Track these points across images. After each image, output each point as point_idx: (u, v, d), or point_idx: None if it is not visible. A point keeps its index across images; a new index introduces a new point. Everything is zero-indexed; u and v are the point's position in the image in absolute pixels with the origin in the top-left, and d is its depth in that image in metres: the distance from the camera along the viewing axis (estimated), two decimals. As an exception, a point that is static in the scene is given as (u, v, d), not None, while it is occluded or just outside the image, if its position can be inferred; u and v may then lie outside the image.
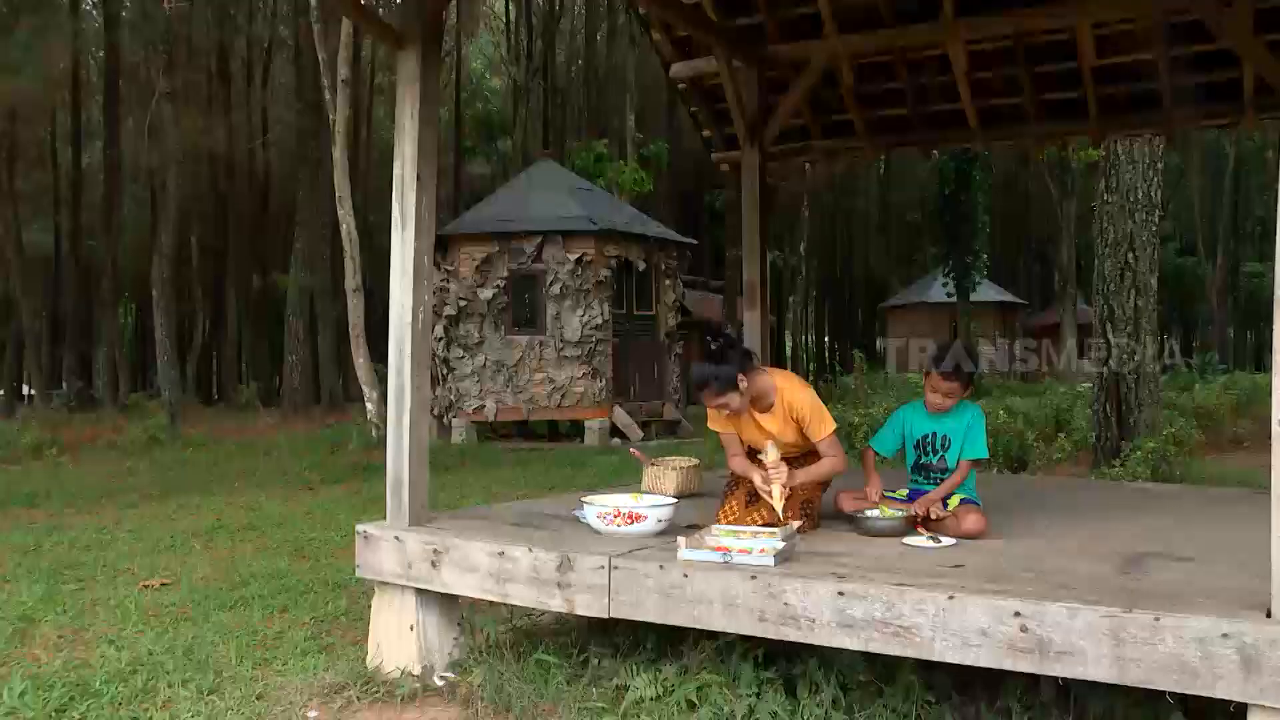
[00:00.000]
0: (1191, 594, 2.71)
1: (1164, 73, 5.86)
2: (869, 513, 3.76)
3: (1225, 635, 2.39)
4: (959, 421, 3.93)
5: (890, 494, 3.97)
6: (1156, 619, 2.47)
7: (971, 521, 3.64)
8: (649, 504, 3.66)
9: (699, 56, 6.48)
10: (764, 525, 3.57)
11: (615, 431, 15.67)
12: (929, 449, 3.98)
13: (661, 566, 3.12)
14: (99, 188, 29.23)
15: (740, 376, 3.69)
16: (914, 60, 6.32)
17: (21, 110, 25.06)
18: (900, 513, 3.73)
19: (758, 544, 3.25)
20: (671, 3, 5.83)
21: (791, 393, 3.83)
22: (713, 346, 3.74)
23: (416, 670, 3.61)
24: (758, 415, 3.88)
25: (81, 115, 30.54)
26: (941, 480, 3.91)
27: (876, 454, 4.10)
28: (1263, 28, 5.25)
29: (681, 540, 3.25)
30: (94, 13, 30.54)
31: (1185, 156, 37.74)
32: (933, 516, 3.72)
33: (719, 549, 3.19)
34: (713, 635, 3.28)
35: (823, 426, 3.79)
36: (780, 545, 3.21)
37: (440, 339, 15.80)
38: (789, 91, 6.24)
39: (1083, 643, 2.54)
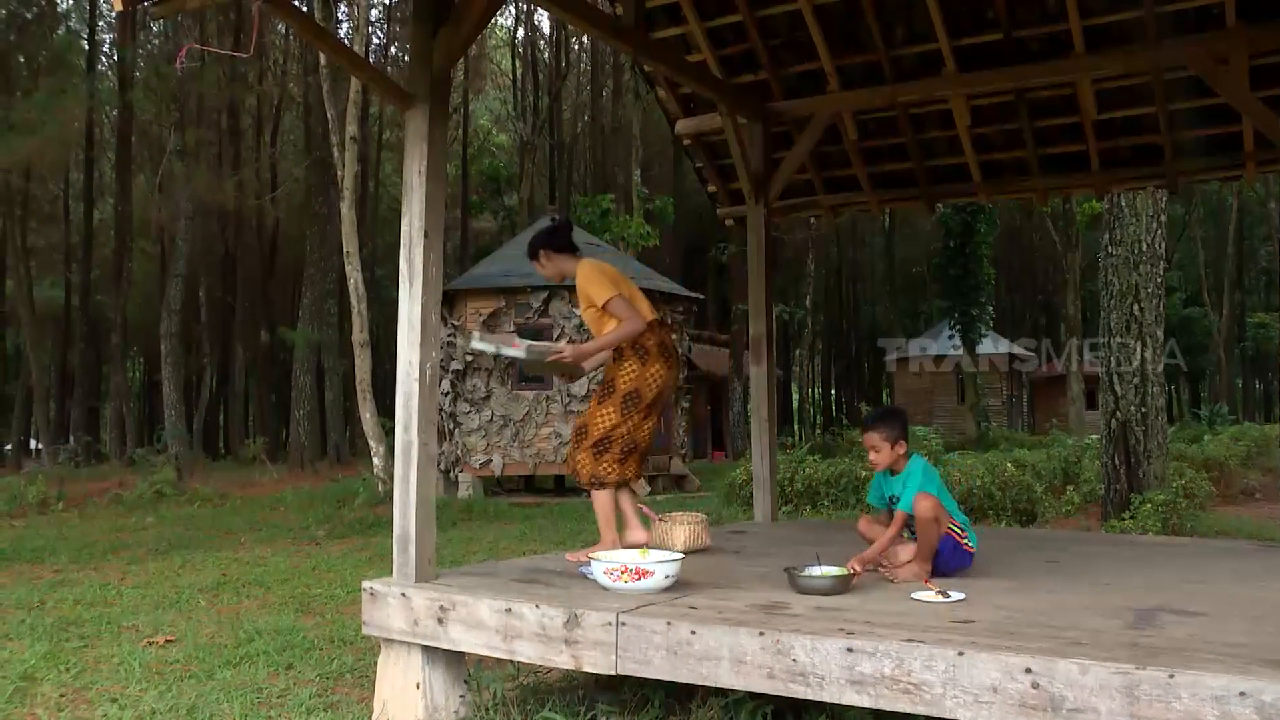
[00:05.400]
0: (1205, 650, 2.68)
1: (1165, 127, 5.92)
2: (805, 570, 3.64)
3: (1243, 694, 2.35)
4: (904, 480, 4.05)
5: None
6: (1171, 676, 2.43)
7: (923, 508, 3.80)
8: (656, 560, 3.64)
9: (704, 113, 6.57)
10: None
11: (622, 485, 15.56)
12: (893, 507, 4.13)
13: (669, 623, 3.09)
14: (109, 244, 29.53)
15: (541, 250, 4.31)
16: (917, 115, 6.40)
17: (37, 168, 25.44)
18: (839, 571, 3.63)
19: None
20: (676, 60, 5.91)
21: (579, 269, 4.24)
22: (552, 219, 4.34)
23: (422, 729, 3.57)
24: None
25: (94, 172, 30.98)
26: (915, 534, 3.96)
27: (872, 507, 4.33)
28: (1258, 84, 5.32)
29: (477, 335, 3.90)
30: (109, 73, 31.11)
31: (1188, 208, 37.93)
32: (879, 568, 3.90)
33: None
34: (721, 692, 3.24)
35: (600, 292, 4.10)
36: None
37: (447, 394, 15.81)
38: (793, 147, 6.31)
39: (1095, 700, 2.50)
